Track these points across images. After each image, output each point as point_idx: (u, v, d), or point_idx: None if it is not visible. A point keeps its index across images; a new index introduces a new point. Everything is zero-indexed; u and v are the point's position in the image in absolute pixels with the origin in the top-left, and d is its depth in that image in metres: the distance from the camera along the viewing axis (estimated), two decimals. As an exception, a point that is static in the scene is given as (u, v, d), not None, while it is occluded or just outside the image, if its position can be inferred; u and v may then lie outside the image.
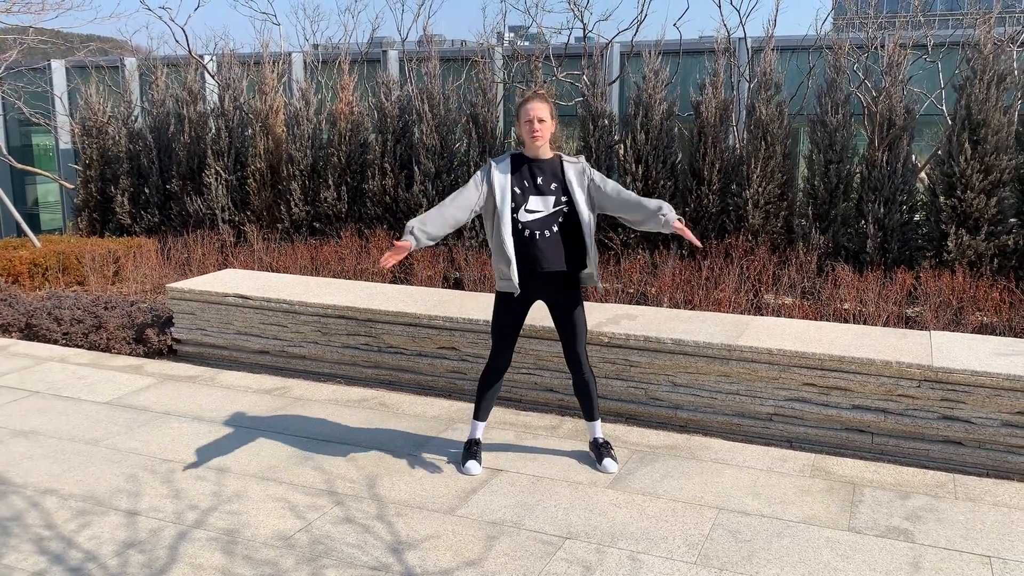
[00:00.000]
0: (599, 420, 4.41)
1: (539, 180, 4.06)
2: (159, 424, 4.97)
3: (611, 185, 4.14)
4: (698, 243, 4.16)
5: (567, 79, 8.22)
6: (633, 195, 4.13)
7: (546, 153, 4.12)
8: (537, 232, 4.04)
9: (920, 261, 6.80)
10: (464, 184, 4.13)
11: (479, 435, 4.40)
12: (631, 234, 7.52)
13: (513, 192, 4.04)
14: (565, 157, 4.15)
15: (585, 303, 5.70)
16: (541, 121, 4.01)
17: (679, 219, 4.02)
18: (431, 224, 3.94)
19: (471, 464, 4.26)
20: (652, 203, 4.04)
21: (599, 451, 4.33)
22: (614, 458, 4.31)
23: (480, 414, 4.38)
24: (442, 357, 5.48)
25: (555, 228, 4.06)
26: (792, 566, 3.38)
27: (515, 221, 4.03)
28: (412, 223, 3.91)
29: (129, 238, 9.20)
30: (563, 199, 4.07)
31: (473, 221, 8.01)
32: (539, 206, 4.05)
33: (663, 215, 3.99)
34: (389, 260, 3.81)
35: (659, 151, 7.57)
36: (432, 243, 3.99)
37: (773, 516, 3.80)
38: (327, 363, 5.88)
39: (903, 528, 3.68)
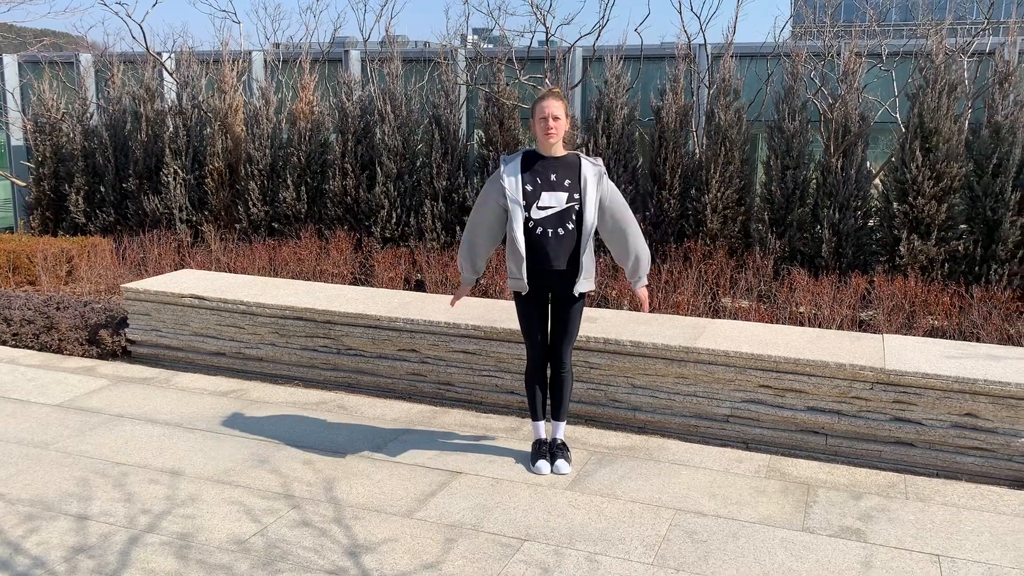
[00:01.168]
0: (564, 422, 4.43)
1: (552, 177, 4.07)
2: (112, 427, 4.87)
3: (619, 202, 4.16)
4: (647, 310, 4.46)
5: (529, 82, 8.24)
6: (627, 227, 4.18)
7: (559, 151, 4.13)
8: (550, 230, 4.06)
9: (874, 266, 6.93)
10: (481, 194, 4.19)
11: (542, 435, 4.42)
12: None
13: (524, 190, 4.05)
14: (584, 156, 4.17)
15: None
16: (556, 119, 4.03)
17: (645, 286, 4.29)
18: (475, 255, 4.31)
19: (540, 463, 4.30)
20: (633, 252, 4.19)
21: (555, 451, 4.34)
22: (568, 460, 4.33)
23: (535, 414, 4.42)
24: (402, 359, 5.46)
25: (569, 226, 4.07)
26: (747, 566, 3.42)
27: (527, 219, 4.05)
28: (460, 265, 4.37)
29: (83, 237, 9.02)
30: (576, 196, 4.07)
31: (435, 221, 7.99)
32: (551, 202, 4.05)
33: (636, 277, 4.26)
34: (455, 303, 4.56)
35: (620, 155, 7.63)
36: (484, 266, 4.40)
37: (729, 517, 3.84)
38: (285, 365, 5.82)
39: (856, 528, 3.75)
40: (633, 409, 4.95)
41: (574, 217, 4.07)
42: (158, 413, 5.11)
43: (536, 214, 4.05)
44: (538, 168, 4.09)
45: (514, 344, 5.12)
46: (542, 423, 4.43)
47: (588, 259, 4.11)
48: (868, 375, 4.44)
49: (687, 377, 4.81)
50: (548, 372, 4.36)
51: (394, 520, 3.79)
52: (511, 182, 4.06)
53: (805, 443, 4.63)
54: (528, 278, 4.10)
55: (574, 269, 4.11)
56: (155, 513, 3.82)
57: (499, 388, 5.24)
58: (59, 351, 6.29)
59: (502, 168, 4.11)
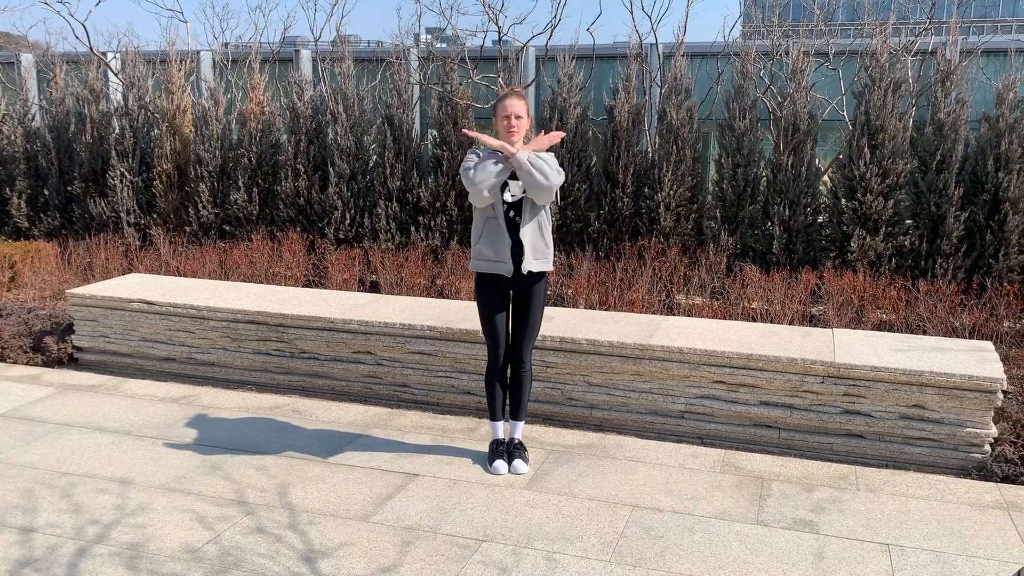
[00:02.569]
0: (523, 422, 4.43)
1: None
2: (58, 436, 4.75)
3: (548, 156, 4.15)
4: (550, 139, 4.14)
5: (483, 82, 8.23)
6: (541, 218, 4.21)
7: (520, 148, 4.12)
8: (517, 217, 4.10)
9: (824, 261, 7.04)
10: (466, 160, 4.10)
11: (500, 435, 4.42)
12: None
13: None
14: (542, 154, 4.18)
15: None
16: (518, 118, 4.07)
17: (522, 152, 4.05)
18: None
19: (497, 463, 4.28)
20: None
21: (513, 451, 4.34)
22: (526, 460, 4.34)
23: (494, 414, 4.40)
24: (357, 362, 5.41)
25: (528, 214, 4.10)
26: (703, 560, 3.45)
27: (502, 203, 4.08)
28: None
29: (27, 242, 8.77)
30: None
31: (389, 222, 7.93)
32: (517, 191, 4.08)
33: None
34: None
35: (574, 154, 7.65)
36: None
37: (685, 512, 3.88)
38: (237, 370, 5.73)
39: (808, 520, 3.80)
40: (590, 407, 4.97)
41: (530, 204, 4.10)
42: (106, 421, 4.99)
43: (507, 198, 4.09)
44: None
45: (470, 344, 5.11)
46: (500, 423, 4.42)
47: (533, 237, 4.12)
48: (819, 369, 4.51)
49: (643, 374, 4.84)
50: (508, 372, 4.36)
51: (350, 524, 3.75)
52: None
53: (759, 437, 4.69)
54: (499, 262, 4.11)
55: (531, 250, 4.14)
56: (104, 523, 3.73)
57: (456, 389, 5.22)
58: (2, 359, 6.12)
59: (479, 155, 4.10)
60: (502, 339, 4.27)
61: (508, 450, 4.36)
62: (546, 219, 4.19)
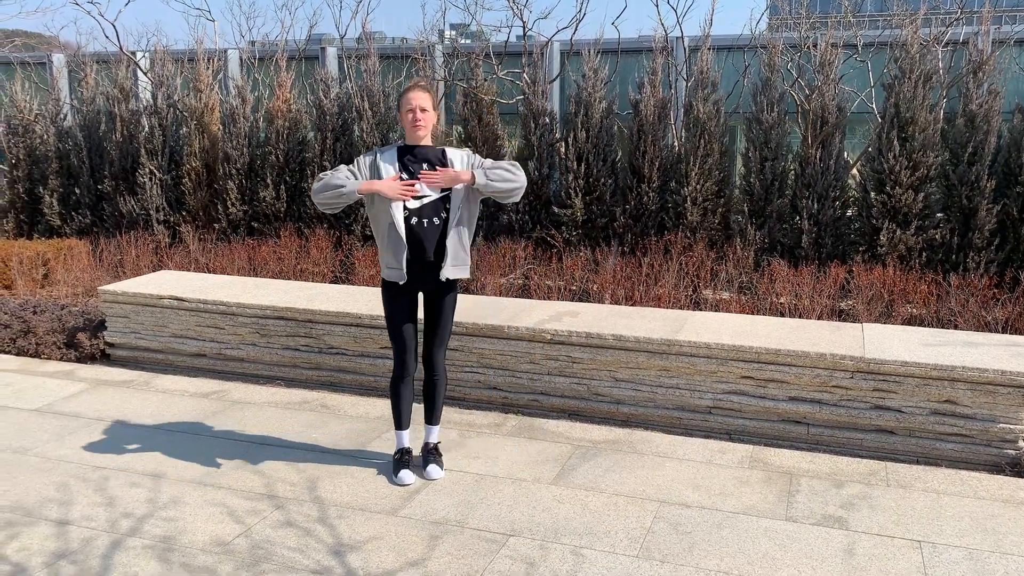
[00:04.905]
0: (438, 426, 4.33)
1: (424, 167, 3.96)
2: (91, 431, 4.83)
3: (495, 168, 3.99)
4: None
5: (508, 77, 8.23)
6: (505, 170, 4.01)
7: (428, 143, 4.05)
8: (424, 220, 3.94)
9: (852, 255, 6.97)
10: (343, 168, 3.98)
11: (405, 443, 4.28)
12: (573, 232, 7.56)
13: (400, 179, 3.93)
14: (449, 148, 4.09)
15: (529, 300, 5.73)
16: (423, 111, 3.95)
17: (471, 177, 3.93)
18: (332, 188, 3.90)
19: (403, 473, 4.15)
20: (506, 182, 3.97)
21: (428, 456, 4.25)
22: (440, 465, 4.24)
23: (400, 422, 4.25)
24: (385, 357, 5.44)
25: (443, 215, 3.97)
26: (731, 556, 3.44)
27: (403, 208, 3.92)
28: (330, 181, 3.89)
29: (59, 240, 8.91)
30: (447, 189, 3.97)
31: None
32: (426, 191, 3.94)
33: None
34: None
35: (599, 149, 7.63)
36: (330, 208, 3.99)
37: (713, 508, 3.86)
38: (266, 365, 5.78)
39: (838, 516, 3.77)
40: (616, 403, 4.96)
41: (447, 206, 3.98)
42: (138, 416, 5.06)
43: (412, 204, 3.93)
44: (411, 159, 3.98)
45: (496, 340, 5.12)
46: (406, 432, 4.26)
47: (455, 245, 3.98)
48: (848, 364, 4.47)
49: (669, 370, 4.82)
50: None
51: (379, 518, 3.77)
52: (388, 170, 3.94)
53: (787, 433, 4.66)
54: (407, 269, 3.96)
55: (452, 257, 4.00)
56: (137, 516, 3.79)
57: (482, 384, 5.23)
58: (36, 355, 6.22)
59: (378, 155, 3.99)
60: (412, 346, 4.12)
61: (423, 455, 4.27)
62: (468, 225, 4.05)
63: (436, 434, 4.33)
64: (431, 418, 4.29)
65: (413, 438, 4.32)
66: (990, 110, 6.68)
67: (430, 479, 4.17)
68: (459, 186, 3.96)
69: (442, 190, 3.97)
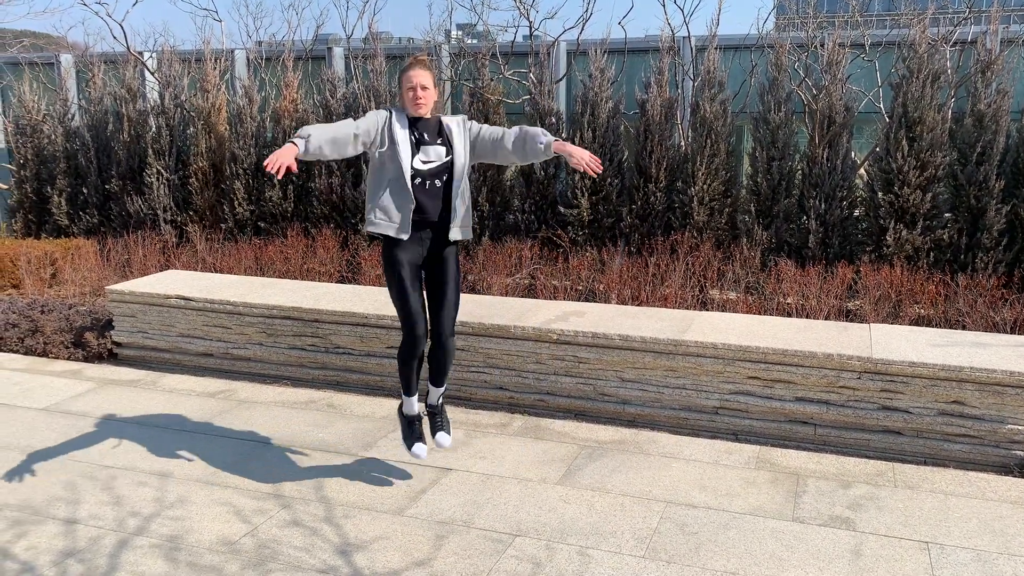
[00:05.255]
0: (444, 387, 4.22)
1: (426, 135, 3.98)
2: (99, 430, 4.84)
3: (485, 129, 4.05)
4: (593, 168, 3.86)
5: (514, 77, 8.22)
6: (501, 130, 4.04)
7: (429, 117, 4.04)
8: (427, 182, 3.93)
9: (860, 255, 6.95)
10: (397, 136, 3.94)
11: (415, 409, 4.17)
12: (579, 232, 7.56)
13: (411, 139, 3.93)
14: (443, 116, 4.08)
15: (535, 300, 5.73)
16: (424, 88, 3.93)
17: (556, 140, 3.90)
18: (323, 130, 3.80)
19: (417, 447, 4.10)
20: (518, 132, 3.96)
21: (434, 419, 4.20)
22: (448, 431, 4.20)
23: (409, 388, 4.12)
24: (391, 357, 5.44)
25: (445, 177, 3.97)
26: (738, 557, 3.43)
27: (410, 168, 3.90)
28: (306, 129, 3.78)
29: (67, 239, 8.94)
30: (450, 156, 3.98)
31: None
32: (432, 156, 3.95)
33: (541, 143, 3.89)
34: (274, 163, 3.55)
35: (606, 149, 7.62)
36: (317, 156, 3.80)
37: (720, 508, 3.85)
38: (273, 365, 5.79)
39: (845, 517, 3.76)
40: (622, 403, 4.96)
41: (449, 172, 3.98)
42: (145, 415, 5.08)
43: (418, 165, 3.93)
44: (414, 126, 3.98)
45: (502, 339, 5.12)
46: (416, 398, 4.15)
47: (461, 205, 4.00)
48: (855, 365, 4.46)
49: (676, 370, 4.82)
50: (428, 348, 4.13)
51: (385, 518, 3.78)
52: (399, 128, 3.92)
53: (794, 433, 4.65)
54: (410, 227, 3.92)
55: (447, 219, 3.99)
56: (144, 515, 3.80)
57: (488, 384, 5.23)
58: (44, 355, 6.25)
59: (393, 115, 3.96)
60: (416, 305, 3.97)
61: (431, 420, 4.19)
62: (467, 190, 4.06)
63: (440, 395, 4.23)
64: (438, 380, 4.18)
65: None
66: (999, 110, 6.65)
67: (441, 447, 4.15)
68: (462, 152, 3.99)
69: (446, 153, 3.97)
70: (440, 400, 4.27)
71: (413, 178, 3.92)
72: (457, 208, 3.99)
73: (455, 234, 4.01)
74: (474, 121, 4.15)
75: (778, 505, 3.88)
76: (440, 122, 4.06)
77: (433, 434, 4.21)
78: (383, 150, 3.93)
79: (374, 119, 3.93)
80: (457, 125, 4.07)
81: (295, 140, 3.70)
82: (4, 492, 4.04)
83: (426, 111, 3.99)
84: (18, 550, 3.50)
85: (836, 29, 7.53)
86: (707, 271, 6.73)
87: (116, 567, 3.37)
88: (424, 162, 3.96)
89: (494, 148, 4.05)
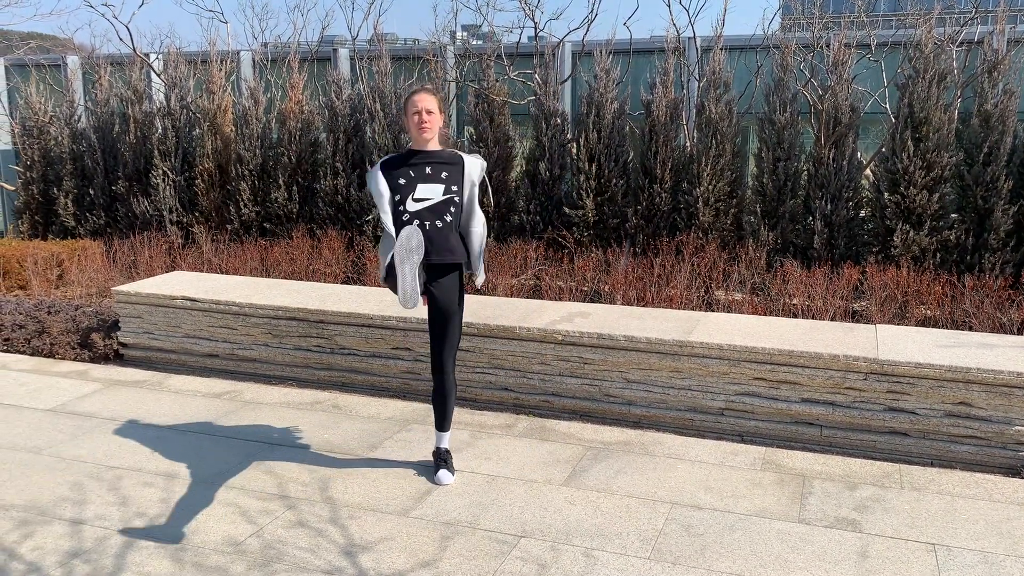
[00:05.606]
0: (449, 432, 4.27)
1: (427, 170, 3.94)
2: (105, 430, 4.85)
3: (475, 206, 4.05)
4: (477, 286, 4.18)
5: (519, 78, 8.23)
6: (473, 227, 4.07)
7: (435, 146, 4.04)
8: (427, 223, 3.88)
9: (866, 256, 6.93)
10: (376, 193, 3.96)
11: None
12: (584, 232, 7.55)
13: (398, 183, 3.91)
14: (467, 155, 4.07)
15: (540, 300, 5.72)
16: (429, 113, 3.93)
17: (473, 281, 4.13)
18: (387, 247, 3.91)
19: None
20: (474, 254, 4.05)
21: (439, 462, 4.22)
22: (451, 471, 4.20)
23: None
24: (396, 358, 5.45)
25: (447, 218, 3.92)
26: (744, 559, 3.42)
27: (403, 212, 3.88)
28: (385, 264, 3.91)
29: (73, 240, 8.97)
30: (454, 188, 3.95)
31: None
32: (428, 194, 3.91)
33: (474, 277, 4.11)
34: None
35: (611, 150, 7.62)
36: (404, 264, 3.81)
37: (725, 510, 3.84)
38: (278, 365, 5.80)
39: (851, 518, 3.75)
40: (628, 404, 4.95)
41: (452, 210, 3.94)
42: (152, 416, 5.09)
43: (412, 206, 3.88)
44: (414, 162, 3.96)
45: (507, 340, 5.12)
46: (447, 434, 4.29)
47: (472, 245, 4.05)
48: (862, 366, 4.44)
49: (681, 371, 4.81)
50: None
51: (390, 519, 3.78)
52: (388, 175, 3.94)
53: (800, 435, 4.63)
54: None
55: (456, 262, 3.99)
56: (150, 516, 3.81)
57: (493, 385, 5.23)
58: (51, 355, 6.26)
59: (379, 164, 4.00)
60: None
61: (437, 458, 4.27)
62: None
63: (447, 440, 4.29)
64: (443, 424, 4.23)
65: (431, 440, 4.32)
66: (1005, 110, 6.63)
67: (441, 484, 4.13)
68: (466, 190, 3.99)
69: (446, 191, 3.94)
70: (447, 447, 4.28)
71: (409, 221, 3.85)
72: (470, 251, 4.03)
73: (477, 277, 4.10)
74: (482, 178, 4.11)
75: (784, 506, 3.87)
76: (460, 159, 4.03)
77: (435, 472, 4.18)
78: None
79: (384, 191, 3.93)
80: (477, 169, 4.05)
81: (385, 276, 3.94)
82: (11, 492, 4.05)
83: (431, 135, 3.98)
84: (24, 550, 3.51)
85: (842, 29, 7.52)
86: (712, 272, 6.72)
87: (122, 567, 3.38)
88: (418, 200, 3.91)
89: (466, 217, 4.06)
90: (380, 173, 3.95)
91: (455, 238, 3.97)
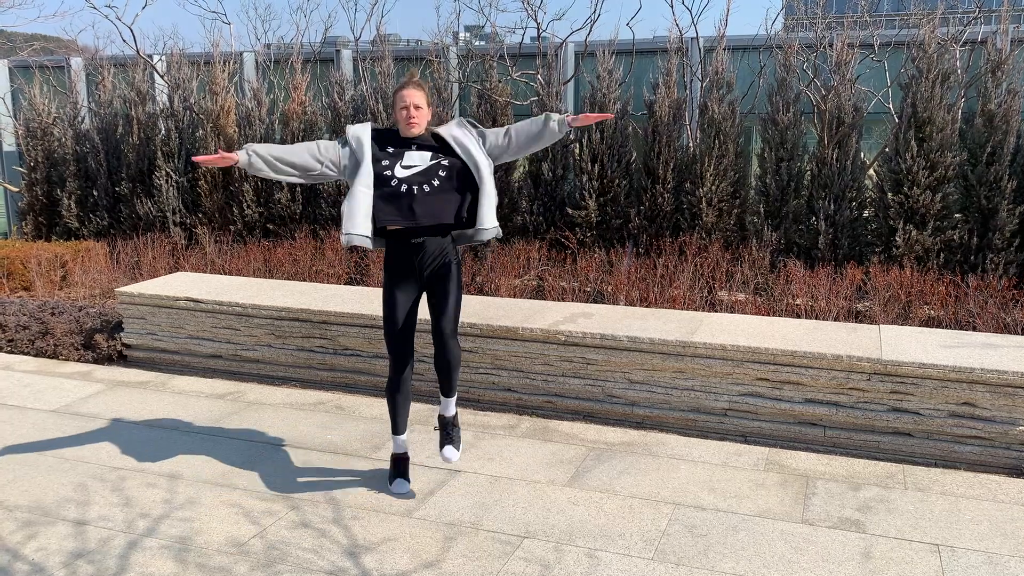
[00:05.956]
0: (455, 397, 4.12)
1: (412, 146, 3.92)
2: (109, 431, 4.86)
3: (500, 131, 4.02)
4: (605, 115, 4.04)
5: (522, 78, 8.22)
6: (520, 126, 4.02)
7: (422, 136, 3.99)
8: (414, 187, 3.84)
9: (869, 256, 6.92)
10: (356, 137, 3.90)
11: (402, 449, 4.15)
12: (587, 233, 7.55)
13: (387, 151, 3.88)
14: (436, 128, 4.03)
15: (543, 301, 5.72)
16: (417, 108, 3.89)
17: (571, 118, 3.91)
18: (272, 148, 3.83)
19: (398, 482, 4.09)
20: (539, 121, 3.98)
21: (445, 434, 4.12)
22: (457, 446, 4.11)
23: (395, 426, 4.10)
24: (399, 358, 5.44)
25: (435, 182, 3.87)
26: (747, 559, 3.42)
27: (390, 178, 3.83)
28: (252, 145, 3.84)
29: (77, 242, 8.98)
30: (440, 155, 3.91)
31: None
32: (416, 161, 3.88)
33: (554, 125, 3.94)
34: (206, 159, 3.71)
35: (614, 150, 7.61)
36: (263, 171, 3.83)
37: (728, 510, 3.84)
38: (281, 366, 5.81)
39: (855, 519, 3.75)
40: (631, 404, 4.95)
41: (441, 173, 3.89)
42: (155, 416, 5.09)
43: (400, 172, 3.85)
44: (399, 137, 3.94)
45: (510, 341, 5.12)
46: (401, 437, 4.10)
47: (486, 202, 3.95)
48: (865, 366, 4.44)
49: (684, 371, 4.80)
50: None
51: (393, 519, 3.78)
52: (362, 137, 3.90)
53: (803, 435, 4.63)
54: (399, 238, 3.90)
55: (464, 223, 3.94)
56: (153, 517, 3.81)
57: (496, 385, 5.23)
58: (55, 356, 6.27)
59: (351, 128, 3.94)
60: (403, 329, 3.97)
61: (443, 431, 4.13)
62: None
63: (454, 407, 4.14)
64: (448, 391, 4.08)
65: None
66: (1009, 109, 6.62)
67: (448, 462, 4.07)
68: (469, 146, 3.94)
69: (433, 157, 3.90)
70: (454, 413, 4.15)
71: (398, 186, 3.84)
72: (484, 207, 3.92)
73: (478, 236, 3.94)
74: (475, 128, 4.05)
75: (787, 507, 3.86)
76: (433, 133, 4.00)
77: (441, 447, 4.10)
78: (352, 165, 3.89)
79: (332, 142, 3.91)
80: (457, 128, 4.00)
81: (240, 152, 3.82)
82: (15, 493, 4.06)
83: (419, 131, 3.94)
84: (28, 551, 3.51)
85: (845, 29, 7.50)
86: (716, 272, 6.71)
87: (126, 568, 3.38)
88: (406, 168, 3.88)
89: (518, 144, 4.03)
90: (370, 129, 3.93)
91: (444, 199, 3.88)
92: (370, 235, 3.84)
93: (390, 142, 3.95)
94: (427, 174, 3.89)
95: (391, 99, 4.03)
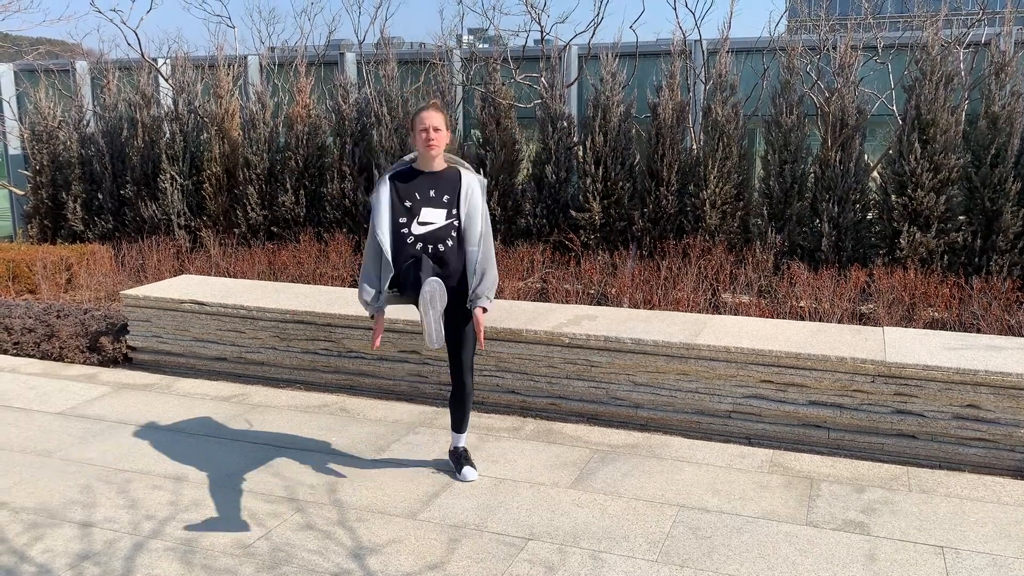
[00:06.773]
0: (466, 433, 4.35)
1: (431, 192, 3.98)
2: (114, 434, 4.87)
3: (476, 225, 4.02)
4: (481, 344, 4.04)
5: (525, 81, 8.24)
6: (472, 252, 4.02)
7: (440, 164, 4.04)
8: (430, 246, 3.94)
9: (873, 259, 6.92)
10: (377, 201, 3.98)
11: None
12: (591, 235, 7.56)
13: (404, 206, 3.95)
14: (465, 169, 4.08)
15: (547, 303, 5.73)
16: (436, 130, 3.94)
17: (481, 309, 3.98)
18: (371, 276, 3.97)
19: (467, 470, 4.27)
20: (475, 278, 4.00)
21: (460, 460, 4.30)
22: (473, 467, 4.28)
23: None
24: (403, 361, 5.46)
25: (448, 243, 3.97)
26: (752, 561, 3.42)
27: (407, 235, 3.93)
28: (365, 295, 3.97)
29: (82, 245, 9.02)
30: (454, 212, 3.99)
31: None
32: (432, 218, 3.95)
33: (476, 296, 3.99)
34: (376, 341, 4.02)
35: (617, 152, 7.62)
36: (396, 297, 4.03)
37: (733, 512, 3.84)
38: (286, 369, 5.82)
39: (859, 521, 3.75)
40: (635, 407, 4.95)
41: (453, 234, 3.98)
42: (160, 419, 5.11)
43: (417, 229, 3.94)
44: (420, 183, 3.99)
45: (514, 343, 5.12)
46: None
47: (478, 268, 4.00)
48: (869, 368, 4.44)
49: (688, 373, 4.81)
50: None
51: (398, 521, 3.79)
52: (393, 194, 3.98)
53: (807, 437, 4.63)
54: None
55: (463, 285, 4.01)
56: (159, 519, 3.82)
57: (500, 388, 5.24)
58: (60, 359, 6.29)
59: (387, 180, 4.02)
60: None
61: (455, 458, 4.35)
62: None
63: (464, 440, 4.37)
64: (460, 427, 4.31)
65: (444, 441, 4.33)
66: (1013, 111, 6.62)
67: (466, 480, 4.20)
68: (475, 209, 4.01)
69: (448, 215, 3.97)
70: (464, 446, 4.36)
71: (413, 244, 3.94)
72: (474, 272, 4.00)
73: (472, 301, 4.00)
74: (483, 196, 4.09)
75: (791, 509, 3.87)
76: (458, 176, 4.04)
77: (458, 469, 4.27)
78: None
79: (386, 206, 3.97)
80: (479, 185, 4.07)
81: (363, 304, 4.01)
82: (21, 495, 4.07)
83: (438, 152, 3.99)
84: (35, 553, 3.53)
85: (848, 31, 7.51)
86: (719, 274, 6.71)
87: (132, 570, 3.39)
88: (423, 224, 3.95)
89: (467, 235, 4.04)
90: (389, 184, 4.00)
91: (456, 261, 4.00)
92: (385, 292, 3.99)
93: (408, 190, 3.98)
94: (441, 235, 3.97)
95: (410, 122, 4.11)
